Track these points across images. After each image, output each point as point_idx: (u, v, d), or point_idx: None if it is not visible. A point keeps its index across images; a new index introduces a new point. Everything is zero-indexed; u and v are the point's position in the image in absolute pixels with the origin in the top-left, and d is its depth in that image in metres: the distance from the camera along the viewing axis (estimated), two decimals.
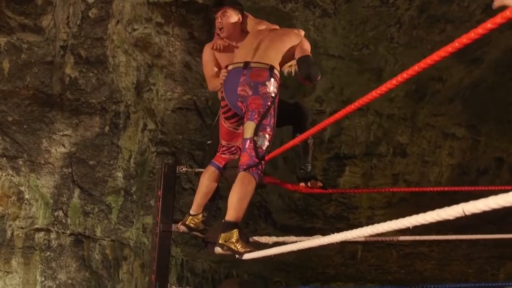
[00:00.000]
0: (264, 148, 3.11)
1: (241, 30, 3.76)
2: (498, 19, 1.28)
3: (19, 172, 6.03)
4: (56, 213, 6.18)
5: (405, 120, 7.10)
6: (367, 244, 7.51)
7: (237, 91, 3.22)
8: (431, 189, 6.76)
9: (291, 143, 3.26)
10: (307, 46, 3.55)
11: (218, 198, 4.34)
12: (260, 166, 3.10)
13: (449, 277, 8.41)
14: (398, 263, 8.10)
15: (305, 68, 3.49)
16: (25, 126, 5.97)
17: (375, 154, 7.17)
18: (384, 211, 7.52)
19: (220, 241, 2.96)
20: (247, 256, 2.89)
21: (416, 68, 1.69)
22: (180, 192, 6.45)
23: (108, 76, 6.01)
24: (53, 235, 6.21)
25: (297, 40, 3.53)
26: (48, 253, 6.20)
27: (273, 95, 3.18)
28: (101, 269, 6.40)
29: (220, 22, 3.73)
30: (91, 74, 5.97)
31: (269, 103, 3.15)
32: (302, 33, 3.76)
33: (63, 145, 6.10)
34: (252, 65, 3.25)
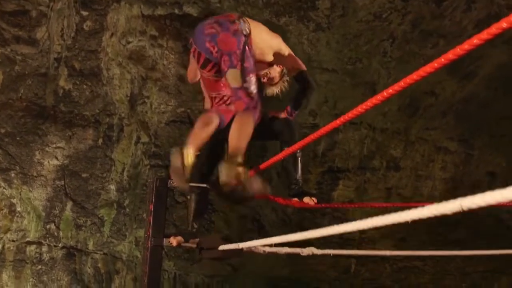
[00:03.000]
0: (255, 91, 3.04)
1: None
2: (484, 35, 1.30)
3: (11, 185, 5.99)
4: (48, 226, 6.13)
5: (398, 134, 7.12)
6: (361, 258, 7.49)
7: (204, 31, 3.10)
8: (424, 204, 6.76)
9: (280, 155, 3.22)
10: (298, 59, 3.61)
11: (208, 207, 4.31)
12: (257, 104, 3.03)
13: None
14: (392, 277, 8.07)
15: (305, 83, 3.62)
16: (18, 138, 5.94)
17: (369, 168, 7.18)
18: None
19: (225, 164, 2.85)
20: (251, 183, 2.79)
21: (402, 83, 1.69)
22: (173, 205, 6.42)
23: (102, 89, 6.00)
24: (44, 248, 6.15)
25: (286, 50, 3.53)
26: (40, 266, 6.14)
27: (244, 33, 3.05)
28: (93, 283, 6.34)
29: None
30: (85, 86, 5.96)
31: (242, 42, 3.01)
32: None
33: (56, 158, 6.07)
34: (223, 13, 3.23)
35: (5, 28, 5.63)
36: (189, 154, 3.22)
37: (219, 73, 3.21)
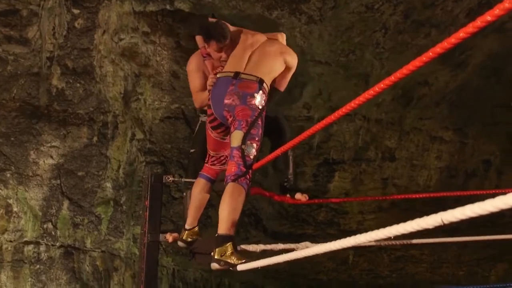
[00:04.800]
0: (251, 157, 3.10)
1: (231, 41, 3.72)
2: (478, 23, 1.31)
3: (7, 185, 5.98)
4: (45, 226, 6.13)
5: (392, 125, 7.14)
6: (358, 249, 7.53)
7: (223, 101, 3.22)
8: (419, 195, 6.79)
9: (272, 154, 3.24)
10: (288, 77, 3.71)
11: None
12: (248, 176, 3.08)
13: (440, 280, 8.44)
14: (390, 267, 8.12)
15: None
16: (12, 139, 5.92)
17: (364, 159, 7.20)
18: (375, 216, 7.55)
19: (216, 257, 2.91)
20: (241, 267, 2.87)
21: (398, 74, 1.70)
22: (170, 201, 6.43)
23: (96, 86, 5.99)
24: (42, 248, 6.15)
25: (282, 65, 3.57)
26: (38, 266, 6.14)
27: (260, 107, 3.19)
28: (92, 281, 6.35)
29: (220, 55, 3.68)
30: (78, 84, 5.95)
31: (256, 114, 3.16)
32: (284, 36, 3.91)
33: (51, 157, 6.06)
34: (242, 76, 3.26)
35: None
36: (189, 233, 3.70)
37: (226, 135, 3.38)
